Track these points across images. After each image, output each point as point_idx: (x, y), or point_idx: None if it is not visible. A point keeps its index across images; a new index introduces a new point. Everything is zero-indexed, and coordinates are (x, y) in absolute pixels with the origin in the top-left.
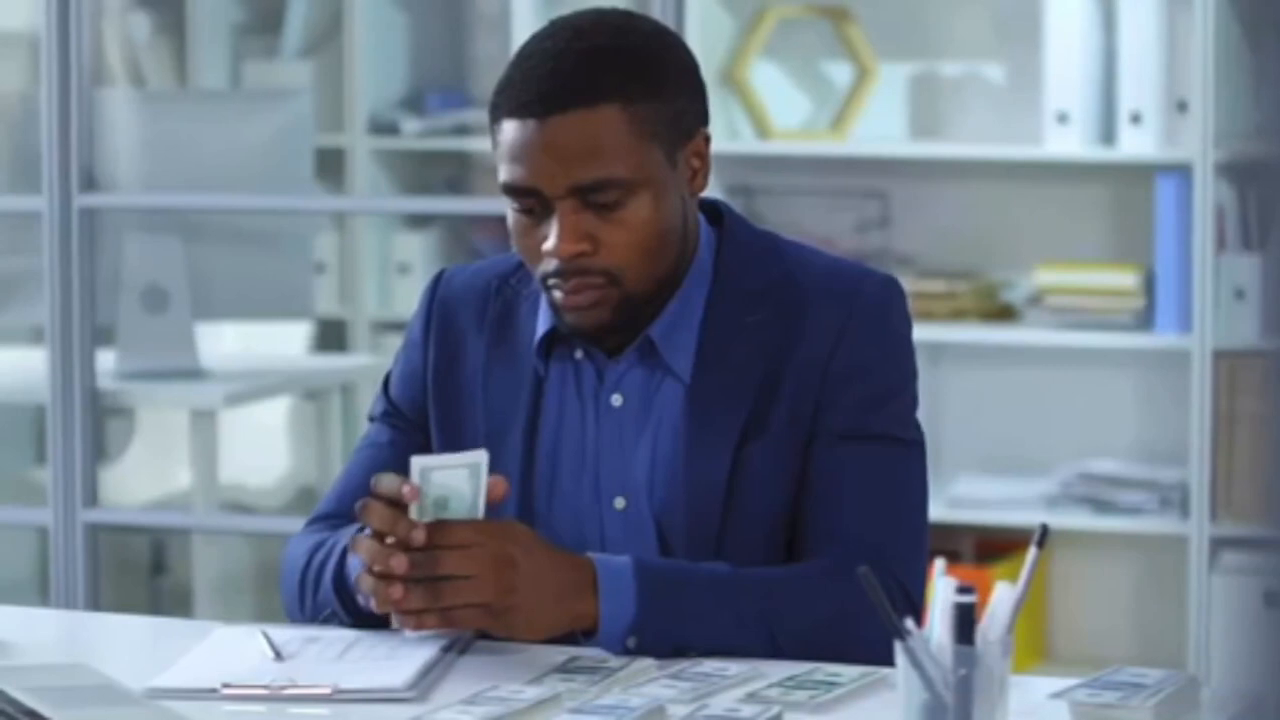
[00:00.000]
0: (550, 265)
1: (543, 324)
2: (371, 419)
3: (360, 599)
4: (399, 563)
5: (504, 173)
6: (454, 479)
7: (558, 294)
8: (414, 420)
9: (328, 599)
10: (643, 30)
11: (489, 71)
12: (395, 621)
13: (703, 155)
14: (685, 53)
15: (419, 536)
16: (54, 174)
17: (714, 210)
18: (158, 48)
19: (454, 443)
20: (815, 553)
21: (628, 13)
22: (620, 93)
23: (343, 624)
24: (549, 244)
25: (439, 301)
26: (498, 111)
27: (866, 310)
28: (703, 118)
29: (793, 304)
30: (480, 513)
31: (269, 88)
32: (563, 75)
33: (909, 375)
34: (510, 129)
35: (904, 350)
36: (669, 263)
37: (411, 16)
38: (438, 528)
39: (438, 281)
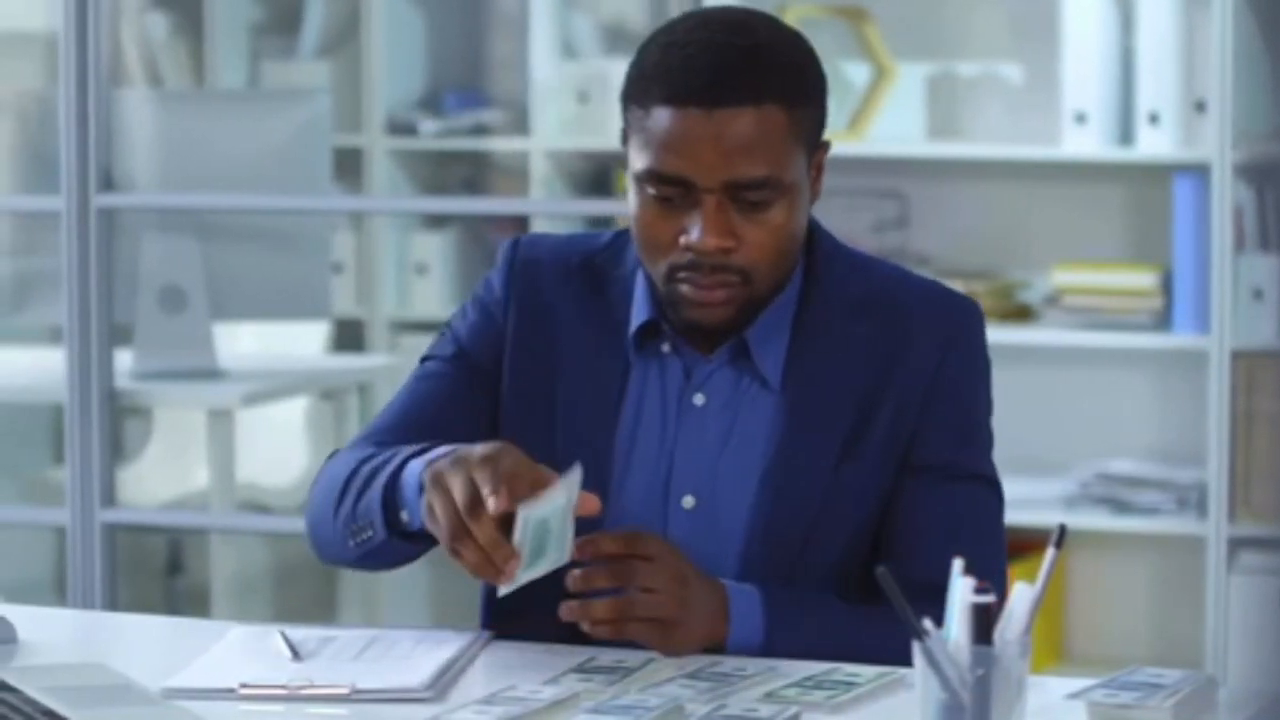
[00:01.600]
0: (684, 257)
1: (640, 313)
2: (428, 359)
3: (405, 515)
4: (590, 576)
5: (651, 159)
6: (553, 507)
7: (686, 287)
8: (487, 370)
9: (371, 509)
10: (791, 33)
11: (507, 71)
12: (563, 612)
13: (822, 165)
14: (818, 56)
15: (612, 546)
16: (72, 174)
17: None
18: (175, 48)
19: (524, 411)
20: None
21: (763, 13)
22: (784, 94)
23: (373, 542)
24: (692, 236)
25: (521, 265)
26: (648, 97)
27: (965, 336)
28: (825, 127)
29: (896, 320)
30: (571, 530)
31: (287, 88)
32: (732, 69)
33: (990, 406)
34: (665, 116)
35: (989, 380)
36: (791, 267)
37: (429, 16)
38: (633, 538)
39: (516, 246)
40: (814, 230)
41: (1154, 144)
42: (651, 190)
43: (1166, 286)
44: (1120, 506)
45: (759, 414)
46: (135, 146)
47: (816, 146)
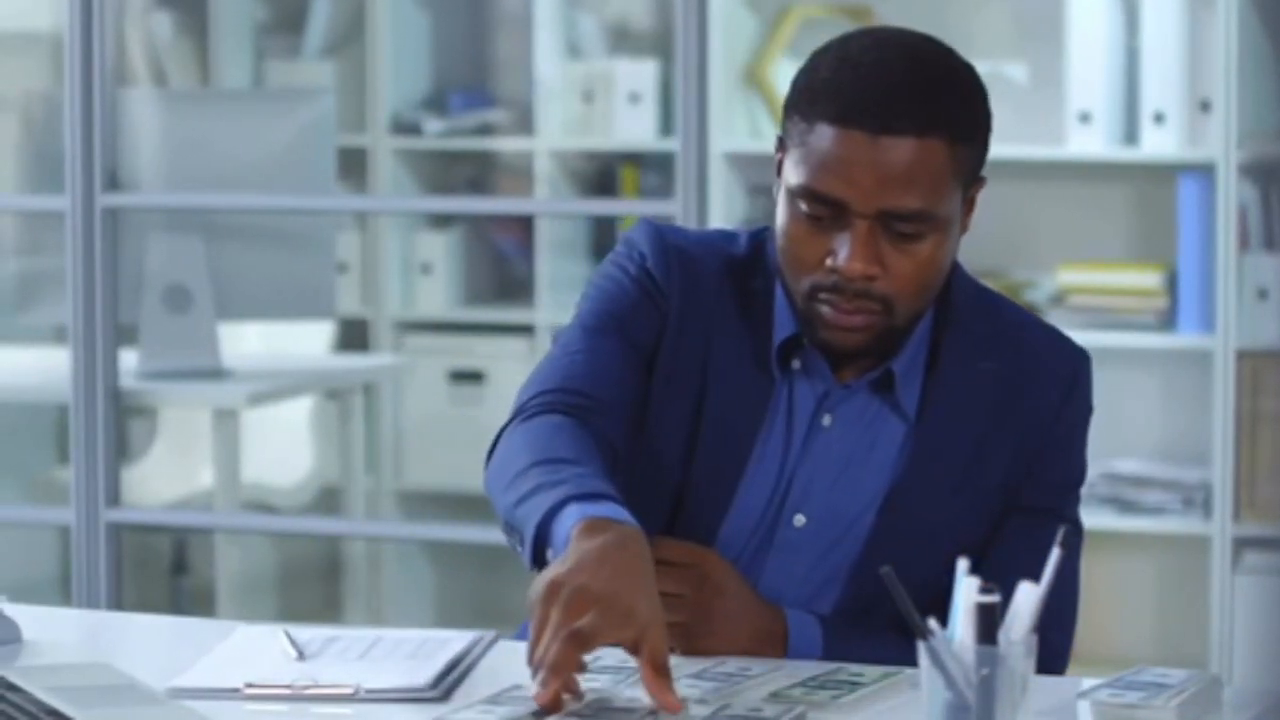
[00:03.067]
0: (829, 279)
1: (784, 328)
2: (580, 329)
3: (550, 554)
4: None
5: (809, 176)
6: None
7: (826, 309)
8: (649, 349)
9: (524, 529)
10: (964, 66)
11: (511, 71)
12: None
13: (974, 201)
14: (986, 94)
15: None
16: (77, 174)
17: None
18: (180, 48)
19: (670, 405)
20: None
21: (939, 43)
22: (950, 128)
23: (520, 554)
24: (840, 259)
25: (676, 254)
26: (814, 112)
27: (1084, 379)
28: (984, 164)
29: (1021, 363)
30: None
31: (291, 87)
32: (902, 97)
33: (1087, 455)
34: (829, 134)
35: (1089, 429)
36: (931, 300)
37: (433, 16)
38: (659, 541)
39: (660, 233)
40: (953, 264)
41: (1159, 144)
42: (804, 207)
43: (1171, 286)
44: (1125, 506)
45: (888, 442)
46: (140, 146)
47: (974, 181)
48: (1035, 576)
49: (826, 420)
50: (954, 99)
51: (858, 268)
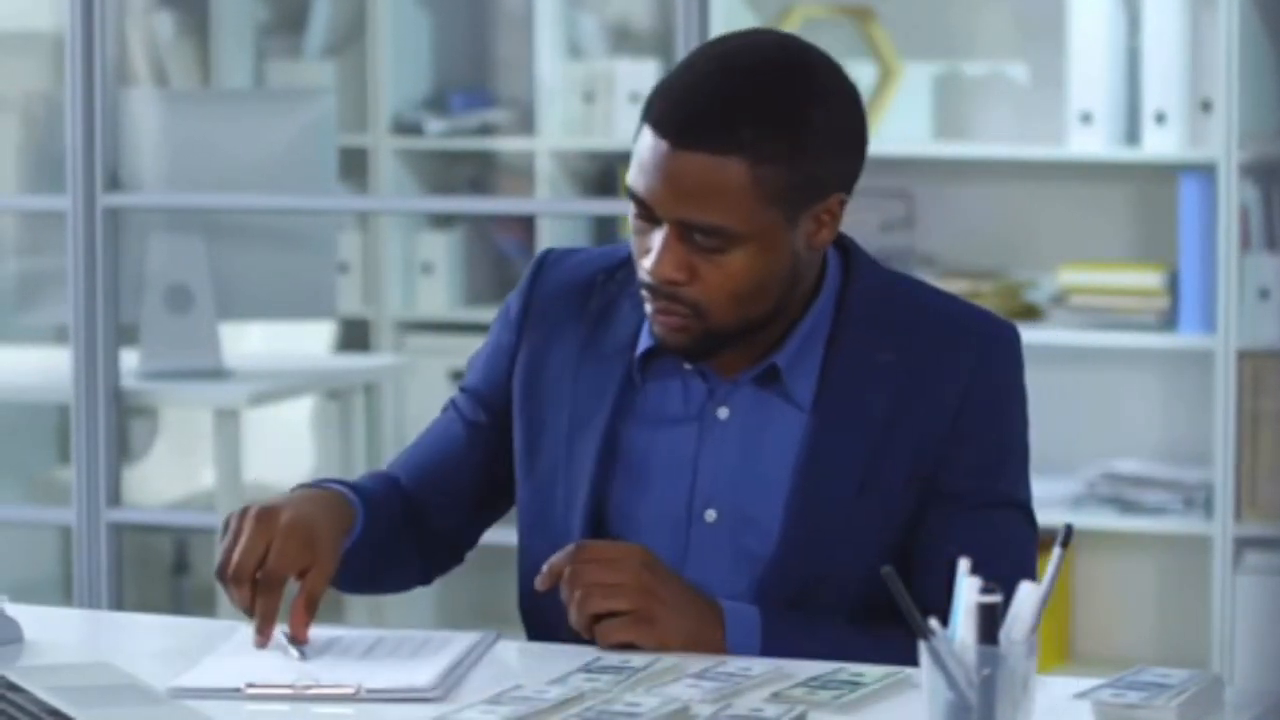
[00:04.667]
0: (646, 279)
1: (648, 337)
2: (461, 389)
3: None
4: (540, 581)
5: (630, 174)
6: None
7: (648, 306)
8: (486, 399)
9: None
10: (804, 85)
11: (512, 71)
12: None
13: (833, 214)
14: (845, 114)
15: (565, 554)
16: (78, 174)
17: (841, 242)
18: (181, 48)
19: (534, 432)
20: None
21: (803, 57)
22: (751, 150)
23: None
24: (648, 260)
25: (541, 285)
26: (644, 112)
27: (997, 361)
28: (844, 182)
29: (923, 347)
30: None
31: (292, 87)
32: (699, 114)
33: (1025, 432)
34: (646, 137)
35: (1024, 407)
36: (765, 308)
37: (435, 16)
38: (581, 546)
39: (542, 264)
40: (852, 253)
41: (1160, 144)
42: (632, 205)
43: (1172, 286)
44: (1126, 506)
45: (786, 431)
46: (141, 146)
47: (813, 200)
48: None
49: (723, 413)
50: (764, 119)
51: (659, 271)
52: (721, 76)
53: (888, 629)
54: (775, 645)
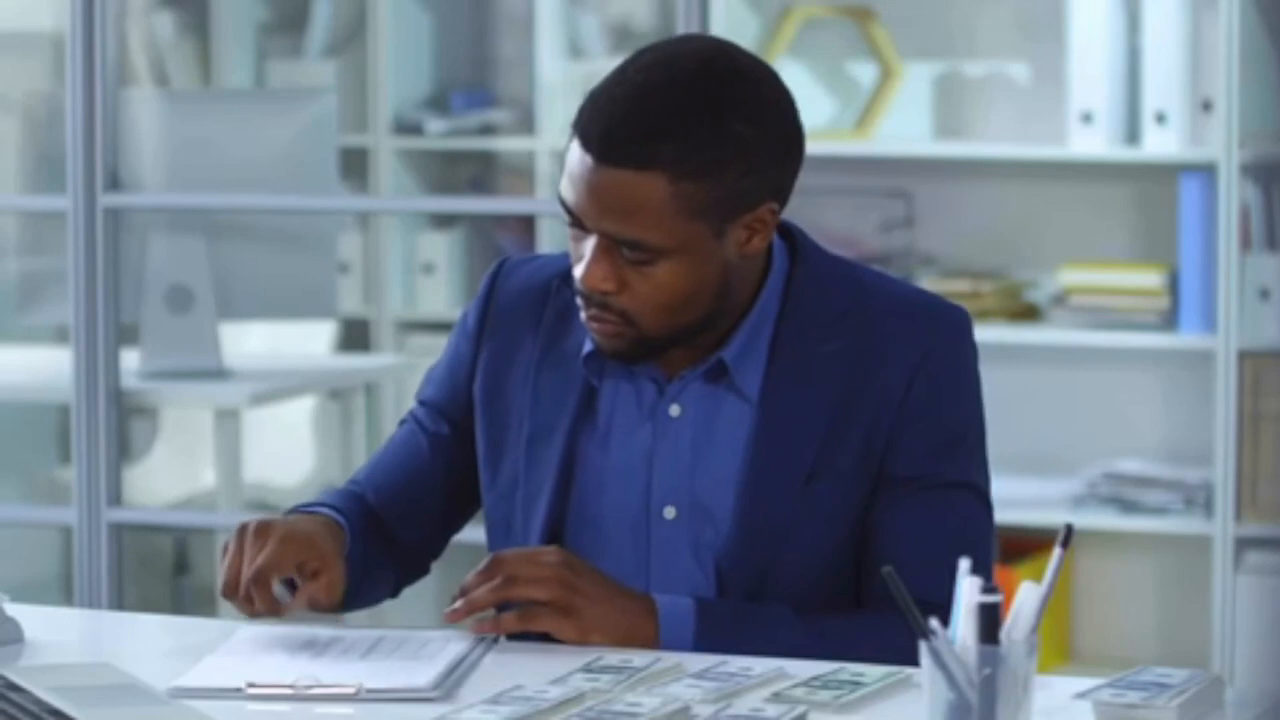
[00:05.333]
0: (579, 285)
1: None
2: (420, 402)
3: None
4: (448, 615)
5: (561, 184)
6: None
7: (582, 313)
8: (446, 410)
9: None
10: (730, 99)
11: (513, 71)
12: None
13: (764, 223)
14: (775, 125)
15: (473, 579)
16: (79, 174)
17: (787, 232)
18: (182, 48)
19: (497, 440)
20: (881, 603)
21: (731, 68)
22: (673, 167)
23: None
24: (579, 269)
25: (498, 294)
26: (574, 124)
27: (943, 345)
28: (775, 190)
29: (868, 335)
30: None
31: (293, 87)
32: (619, 132)
33: (977, 413)
34: (574, 150)
35: (975, 388)
36: (697, 315)
37: (436, 16)
38: (497, 555)
39: (498, 273)
40: (798, 243)
41: (1160, 144)
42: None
43: (1173, 286)
44: (1127, 506)
45: (736, 425)
46: (142, 146)
47: (741, 212)
48: (913, 548)
49: (674, 410)
50: (683, 136)
51: (589, 281)
52: (646, 91)
53: (831, 621)
54: (710, 638)
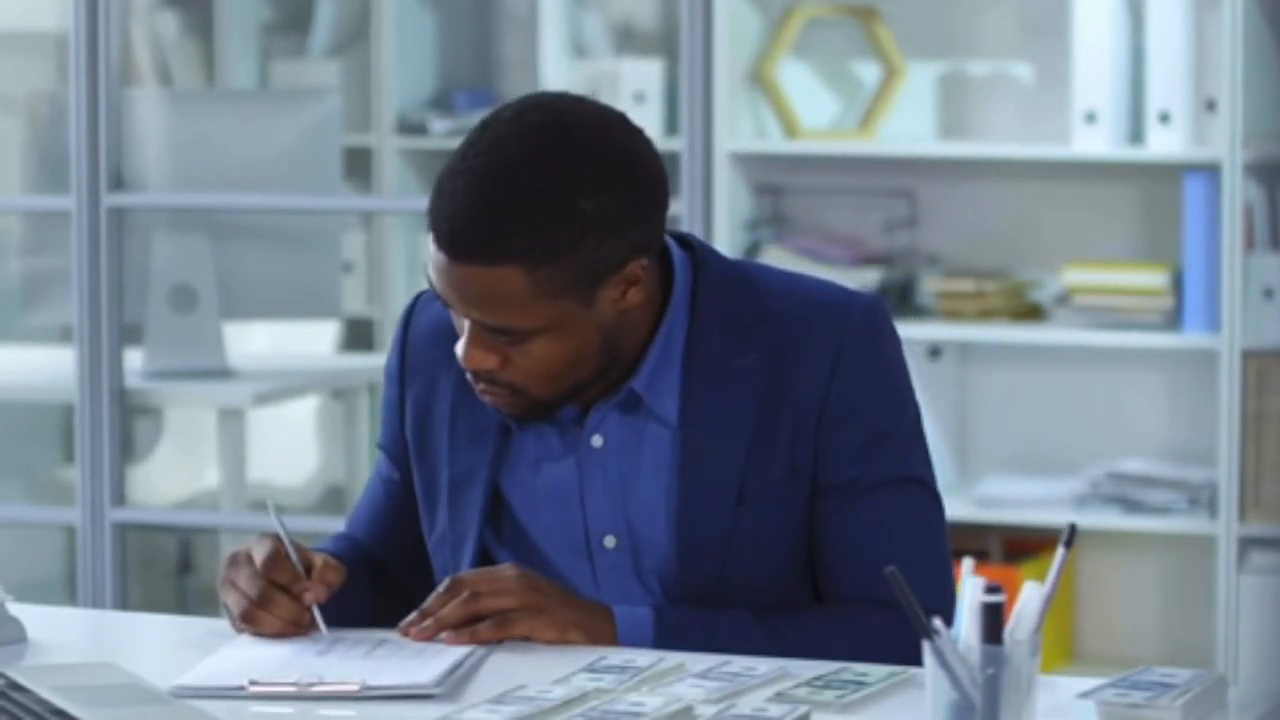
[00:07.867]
0: (462, 364)
1: None
2: (379, 447)
3: None
4: (414, 629)
5: (428, 267)
6: None
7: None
8: (395, 456)
9: None
10: (571, 177)
11: (517, 71)
12: (413, 634)
13: (637, 277)
14: (625, 189)
15: (433, 601)
16: (82, 174)
17: (687, 243)
18: (186, 47)
19: (430, 484)
20: (846, 602)
21: (568, 141)
22: (524, 258)
23: None
24: (459, 348)
25: (411, 336)
26: (427, 214)
27: (855, 339)
28: (638, 246)
29: (778, 342)
30: None
31: (297, 87)
32: (465, 231)
33: (906, 402)
34: (431, 241)
35: (898, 377)
36: (586, 374)
37: (440, 16)
38: (455, 576)
39: (411, 310)
40: (699, 255)
41: (1164, 143)
42: None
43: (1177, 286)
44: (1131, 506)
45: (659, 452)
46: (145, 146)
47: (606, 276)
48: (858, 551)
49: (597, 441)
50: (526, 228)
51: (469, 362)
52: (485, 180)
53: (787, 626)
54: (669, 642)
